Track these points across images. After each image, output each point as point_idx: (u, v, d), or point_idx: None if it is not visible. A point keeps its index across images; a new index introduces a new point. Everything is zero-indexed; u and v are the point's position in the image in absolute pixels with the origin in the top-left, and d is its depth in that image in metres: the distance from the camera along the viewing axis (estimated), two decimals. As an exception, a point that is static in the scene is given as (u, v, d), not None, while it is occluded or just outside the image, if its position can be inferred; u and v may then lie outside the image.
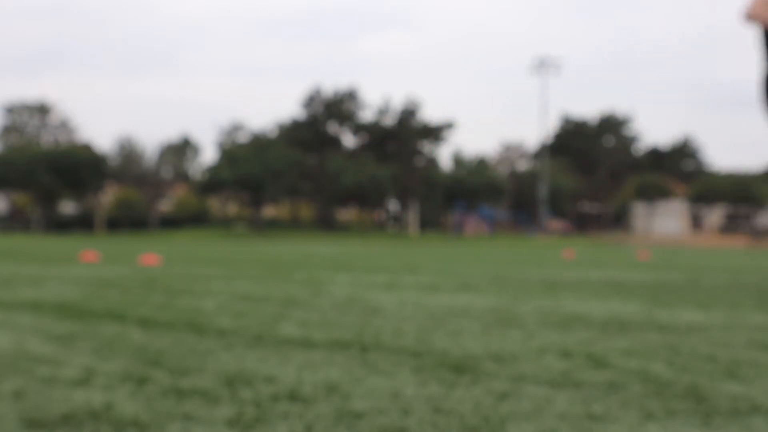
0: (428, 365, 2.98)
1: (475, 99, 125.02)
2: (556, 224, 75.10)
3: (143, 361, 3.03)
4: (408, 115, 74.87)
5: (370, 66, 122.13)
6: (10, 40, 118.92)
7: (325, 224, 73.38)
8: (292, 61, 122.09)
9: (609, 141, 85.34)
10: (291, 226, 74.82)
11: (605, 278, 9.34)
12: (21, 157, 67.94)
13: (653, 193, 72.93)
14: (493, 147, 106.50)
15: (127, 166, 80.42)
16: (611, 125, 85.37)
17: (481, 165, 75.03)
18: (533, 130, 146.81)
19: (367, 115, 75.86)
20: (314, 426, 2.09)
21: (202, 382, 2.64)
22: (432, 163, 76.81)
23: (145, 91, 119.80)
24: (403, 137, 74.03)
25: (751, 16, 2.66)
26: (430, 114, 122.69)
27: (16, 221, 74.43)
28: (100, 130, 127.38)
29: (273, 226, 73.03)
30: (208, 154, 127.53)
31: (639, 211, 68.09)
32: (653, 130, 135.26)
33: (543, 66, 72.79)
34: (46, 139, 79.59)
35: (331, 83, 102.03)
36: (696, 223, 70.67)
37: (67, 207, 79.68)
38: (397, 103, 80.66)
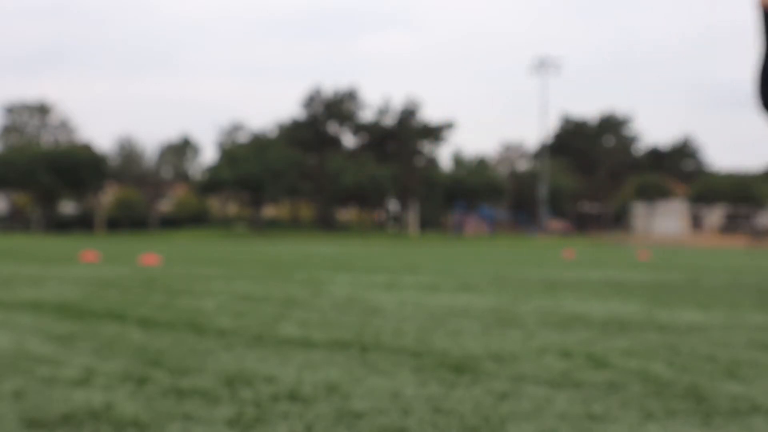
0: (428, 365, 2.98)
1: (475, 99, 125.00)
2: (556, 224, 75.08)
3: (143, 361, 3.02)
4: (408, 115, 74.87)
5: (370, 66, 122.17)
6: (10, 40, 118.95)
7: (325, 224, 73.39)
8: (292, 61, 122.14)
9: (609, 141, 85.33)
10: (291, 226, 74.80)
11: (605, 278, 9.34)
12: (21, 157, 67.94)
13: (653, 193, 72.90)
14: (493, 147, 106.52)
15: (127, 166, 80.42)
16: (611, 125, 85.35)
17: (481, 165, 75.01)
18: (533, 130, 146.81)
19: (367, 115, 75.88)
20: (314, 426, 2.09)
21: (202, 382, 2.64)
22: (432, 163, 76.79)
23: (145, 91, 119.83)
24: (403, 137, 74.04)
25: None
26: (430, 114, 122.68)
27: (16, 221, 74.44)
28: (100, 130, 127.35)
29: (273, 226, 73.01)
30: (208, 154, 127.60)
31: (639, 211, 68.08)
32: (653, 130, 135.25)
33: (543, 66, 72.82)
34: (46, 139, 79.58)
35: (331, 83, 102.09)
36: (696, 223, 70.67)
37: (67, 207, 79.66)
38: (397, 103, 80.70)
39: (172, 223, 75.36)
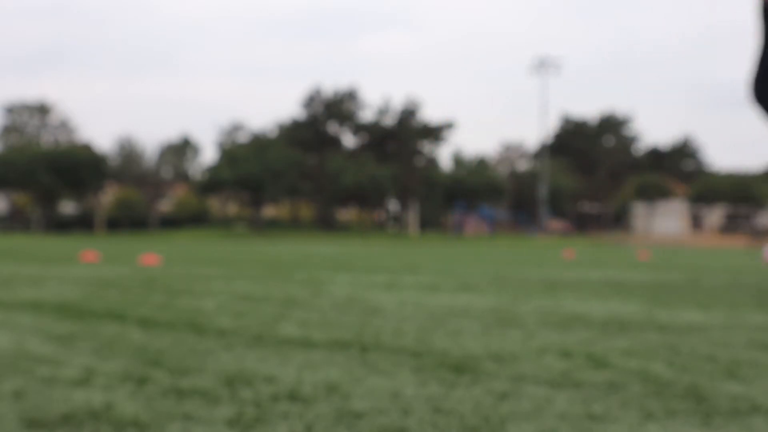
0: (428, 365, 2.98)
1: (475, 99, 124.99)
2: (556, 224, 75.11)
3: (143, 361, 3.02)
4: (408, 115, 74.88)
5: (370, 66, 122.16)
6: (10, 40, 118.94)
7: (325, 224, 73.39)
8: (292, 61, 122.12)
9: (609, 141, 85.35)
10: (291, 226, 74.81)
11: (605, 278, 9.34)
12: (21, 157, 67.96)
13: (653, 193, 72.92)
14: (493, 147, 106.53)
15: (127, 166, 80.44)
16: (611, 125, 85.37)
17: (481, 165, 75.03)
18: (533, 130, 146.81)
19: (367, 115, 75.90)
20: (314, 426, 2.09)
21: (202, 382, 2.64)
22: (432, 163, 76.81)
23: (145, 91, 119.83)
24: (403, 137, 74.05)
25: None
26: (430, 114, 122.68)
27: (16, 221, 74.45)
28: (100, 130, 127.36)
29: (273, 226, 73.03)
30: (208, 154, 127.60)
31: (639, 211, 68.11)
32: (653, 130, 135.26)
33: (543, 66, 72.85)
34: (46, 139, 79.59)
35: (331, 83, 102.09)
36: (696, 223, 70.68)
37: (67, 207, 79.68)
38: (397, 103, 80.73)
39: (172, 223, 75.36)
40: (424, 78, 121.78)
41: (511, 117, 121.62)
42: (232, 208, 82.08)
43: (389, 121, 76.30)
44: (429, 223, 72.81)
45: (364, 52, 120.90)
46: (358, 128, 77.33)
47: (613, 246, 45.64)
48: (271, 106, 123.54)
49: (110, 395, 2.43)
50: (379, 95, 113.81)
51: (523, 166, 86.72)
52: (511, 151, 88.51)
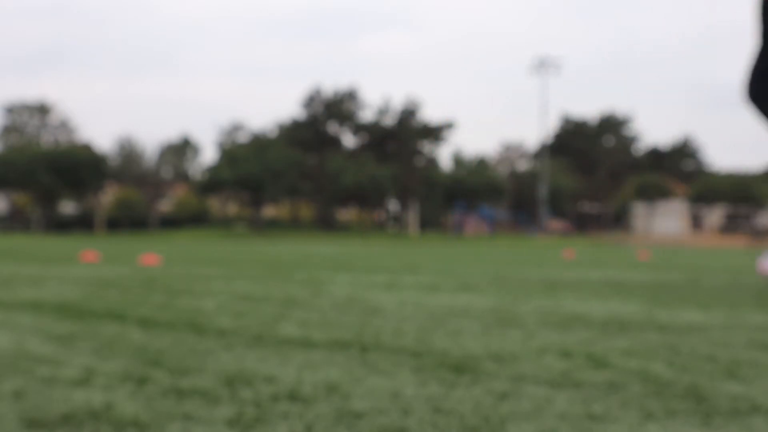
0: (428, 365, 2.98)
1: (475, 99, 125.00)
2: (556, 224, 75.11)
3: (143, 361, 3.02)
4: (408, 115, 74.88)
5: (370, 66, 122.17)
6: (10, 40, 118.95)
7: (325, 224, 73.39)
8: (292, 61, 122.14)
9: (609, 141, 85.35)
10: (291, 226, 74.81)
11: (605, 278, 9.34)
12: (21, 157, 67.96)
13: (653, 193, 72.92)
14: (493, 147, 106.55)
15: (127, 166, 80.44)
16: (611, 125, 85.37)
17: (481, 165, 75.03)
18: (533, 130, 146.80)
19: (367, 115, 75.91)
20: (314, 426, 2.09)
21: (202, 382, 2.64)
22: (432, 163, 76.81)
23: (145, 91, 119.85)
24: (403, 137, 74.04)
25: None
26: (430, 114, 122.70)
27: (16, 221, 74.45)
28: (100, 130, 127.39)
29: (273, 226, 73.03)
30: (208, 154, 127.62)
31: (639, 211, 68.12)
32: (653, 130, 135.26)
33: (543, 66, 72.85)
34: (46, 139, 79.60)
35: (331, 83, 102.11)
36: (696, 223, 70.69)
37: (67, 207, 79.68)
38: (397, 103, 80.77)
39: (172, 223, 75.36)
40: (424, 78, 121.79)
41: (511, 117, 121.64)
42: (232, 208, 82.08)
43: (389, 121, 76.29)
44: (429, 223, 72.81)
45: (364, 52, 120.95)
46: (358, 128, 77.33)
47: (613, 246, 45.65)
48: (271, 106, 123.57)
49: (110, 395, 2.43)
50: (379, 95, 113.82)
51: (523, 166, 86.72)
52: (511, 151, 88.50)
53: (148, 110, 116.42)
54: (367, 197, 72.57)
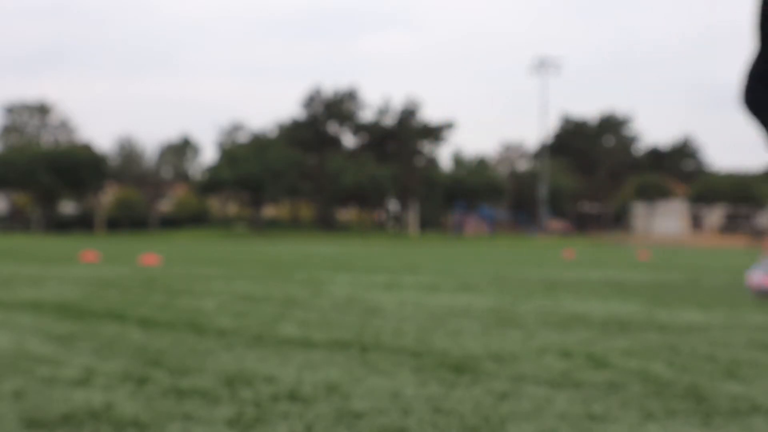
0: (428, 365, 2.98)
1: (475, 99, 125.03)
2: (556, 224, 75.10)
3: (143, 361, 3.02)
4: (408, 115, 74.86)
5: (370, 66, 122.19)
6: (10, 40, 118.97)
7: (325, 224, 73.38)
8: (292, 61, 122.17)
9: (609, 141, 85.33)
10: (291, 226, 74.79)
11: (605, 278, 9.34)
12: (21, 157, 67.94)
13: (653, 193, 72.90)
14: (493, 147, 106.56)
15: (127, 166, 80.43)
16: (611, 125, 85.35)
17: (481, 165, 75.02)
18: (533, 130, 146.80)
19: (367, 115, 75.89)
20: (314, 426, 2.09)
21: (202, 382, 2.64)
22: (432, 163, 76.80)
23: (145, 91, 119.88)
24: (403, 137, 74.03)
25: None
26: (430, 114, 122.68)
27: (16, 221, 74.43)
28: (100, 130, 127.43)
29: (273, 226, 73.01)
30: (208, 154, 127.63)
31: (639, 211, 68.12)
32: (653, 130, 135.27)
33: (543, 66, 72.86)
34: (46, 139, 79.58)
35: (331, 83, 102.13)
36: (696, 223, 70.68)
37: (67, 207, 79.66)
38: (397, 103, 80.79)
39: (172, 223, 75.37)
40: (424, 78, 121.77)
41: (511, 117, 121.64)
42: (232, 208, 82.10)
43: (389, 121, 76.30)
44: (429, 223, 72.82)
45: (364, 52, 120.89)
46: (358, 128, 77.35)
47: (613, 246, 45.64)
48: (271, 106, 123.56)
49: (110, 395, 2.43)
50: (379, 95, 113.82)
51: (523, 166, 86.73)
52: (511, 151, 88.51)
53: (148, 110, 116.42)
54: (367, 197, 72.57)
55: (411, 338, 3.75)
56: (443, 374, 2.82)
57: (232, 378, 2.70)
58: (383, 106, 76.25)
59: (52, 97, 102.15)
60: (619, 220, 74.04)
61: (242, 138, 77.44)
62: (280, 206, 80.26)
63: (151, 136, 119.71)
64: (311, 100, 76.56)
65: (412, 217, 71.31)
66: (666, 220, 66.24)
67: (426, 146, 77.19)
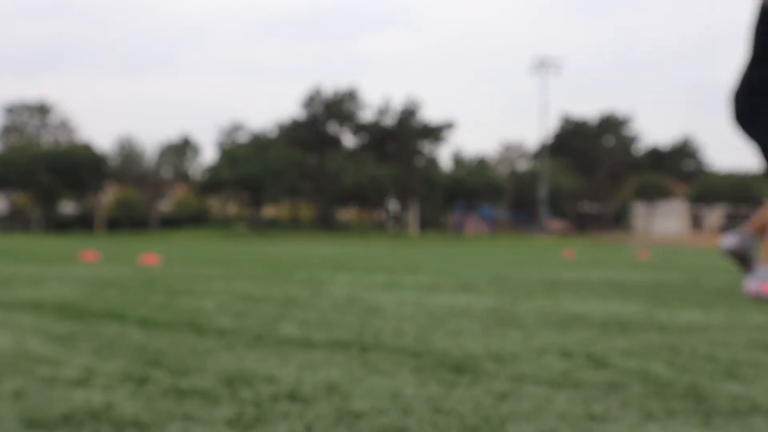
0: (428, 365, 2.97)
1: (475, 99, 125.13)
2: (556, 224, 75.13)
3: (143, 361, 3.02)
4: (408, 115, 74.85)
5: (370, 66, 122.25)
6: (10, 40, 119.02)
7: (325, 224, 73.36)
8: (292, 61, 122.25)
9: (609, 141, 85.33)
10: (291, 226, 74.79)
11: (605, 278, 9.34)
12: (21, 157, 67.95)
13: (653, 193, 72.89)
14: (493, 147, 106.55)
15: (127, 166, 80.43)
16: (611, 125, 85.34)
17: (481, 165, 75.02)
18: (533, 130, 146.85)
19: (367, 115, 75.89)
20: (314, 426, 2.09)
21: (202, 382, 2.64)
22: (432, 163, 76.80)
23: (145, 91, 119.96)
24: (403, 137, 74.02)
25: None
26: (430, 114, 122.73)
27: (16, 221, 74.42)
28: (100, 130, 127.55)
29: (273, 226, 73.01)
30: (208, 154, 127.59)
31: (639, 211, 68.12)
32: (653, 130, 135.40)
33: (543, 66, 72.86)
34: (46, 139, 79.58)
35: (331, 83, 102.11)
36: (696, 223, 70.68)
37: (67, 207, 79.67)
38: (397, 103, 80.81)
39: (172, 223, 75.38)
40: (424, 78, 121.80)
41: (511, 117, 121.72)
42: (232, 208, 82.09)
43: (389, 121, 76.30)
44: (429, 223, 72.82)
45: (364, 52, 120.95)
46: (358, 128, 77.34)
47: (613, 246, 45.64)
48: (271, 106, 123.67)
49: (110, 395, 2.43)
50: (379, 95, 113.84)
51: (523, 166, 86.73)
52: (511, 151, 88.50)
53: (148, 110, 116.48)
54: (367, 197, 72.57)
55: (411, 338, 3.74)
56: (443, 374, 2.82)
57: (232, 378, 2.70)
58: (383, 106, 76.24)
59: (52, 97, 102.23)
60: (619, 220, 74.05)
61: (242, 138, 77.46)
62: (280, 206, 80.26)
63: (151, 136, 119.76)
64: (311, 100, 76.56)
65: (412, 217, 71.30)
66: (666, 220, 66.26)
67: (426, 146, 77.19)
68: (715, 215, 72.58)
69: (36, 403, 2.32)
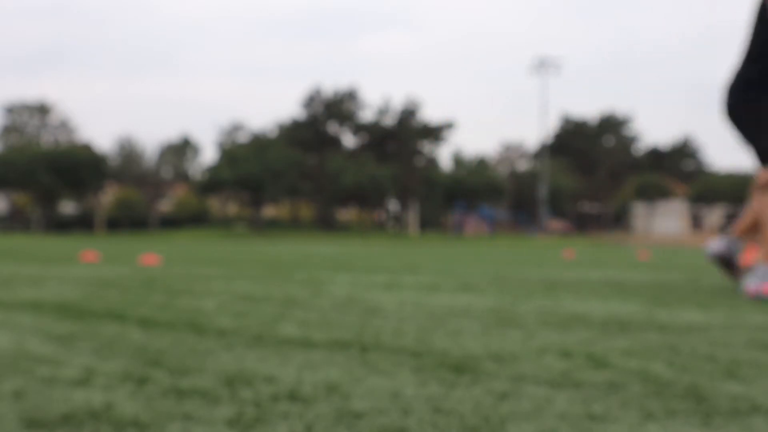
0: (428, 365, 2.97)
1: (475, 99, 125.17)
2: (556, 224, 75.12)
3: (143, 361, 3.02)
4: (408, 115, 74.84)
5: (370, 66, 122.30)
6: (10, 40, 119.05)
7: (325, 224, 73.36)
8: (292, 61, 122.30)
9: (609, 141, 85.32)
10: (291, 226, 74.78)
11: (605, 278, 9.33)
12: (21, 157, 67.95)
13: (653, 193, 72.90)
14: (493, 147, 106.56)
15: (127, 166, 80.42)
16: (611, 125, 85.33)
17: (481, 165, 75.02)
18: (533, 130, 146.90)
19: (367, 115, 75.88)
20: (314, 426, 2.09)
21: (202, 382, 2.64)
22: (432, 163, 76.80)
23: (145, 91, 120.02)
24: (403, 137, 74.01)
25: None
26: (430, 114, 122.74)
27: (16, 221, 74.41)
28: (100, 130, 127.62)
29: (273, 226, 73.01)
30: (208, 154, 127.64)
31: (639, 211, 68.14)
32: (653, 130, 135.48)
33: (543, 66, 72.87)
34: (46, 139, 79.57)
35: (331, 83, 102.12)
36: (696, 223, 70.69)
37: (67, 207, 79.66)
38: (397, 103, 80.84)
39: (172, 223, 75.39)
40: (424, 78, 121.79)
41: (511, 117, 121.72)
42: (232, 208, 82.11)
43: (389, 121, 76.32)
44: (429, 223, 72.83)
45: (364, 52, 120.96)
46: (358, 128, 77.35)
47: (613, 246, 45.64)
48: (271, 106, 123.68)
49: (110, 395, 2.43)
50: (379, 95, 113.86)
51: (523, 166, 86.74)
52: (511, 151, 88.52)
53: (148, 110, 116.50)
54: (367, 197, 72.58)
55: (411, 338, 3.74)
56: (443, 374, 2.82)
57: (232, 378, 2.70)
58: (383, 106, 76.26)
59: (52, 97, 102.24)
60: (619, 220, 74.07)
61: (242, 138, 77.47)
62: (280, 206, 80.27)
63: (151, 136, 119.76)
64: (311, 100, 76.57)
65: (412, 217, 71.31)
66: (666, 220, 66.28)
67: (426, 146, 77.20)
68: (715, 215, 72.58)
69: (36, 403, 2.32)
